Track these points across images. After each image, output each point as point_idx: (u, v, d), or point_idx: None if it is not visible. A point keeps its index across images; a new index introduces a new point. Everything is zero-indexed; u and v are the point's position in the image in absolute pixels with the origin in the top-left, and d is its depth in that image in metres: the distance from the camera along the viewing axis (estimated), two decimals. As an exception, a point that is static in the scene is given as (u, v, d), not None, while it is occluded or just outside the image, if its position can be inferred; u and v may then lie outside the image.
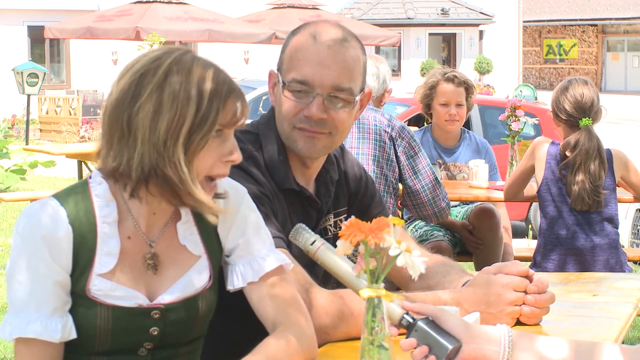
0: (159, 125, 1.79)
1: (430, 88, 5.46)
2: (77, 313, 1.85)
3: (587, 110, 4.64)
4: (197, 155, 1.82)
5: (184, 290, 1.92)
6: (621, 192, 4.97)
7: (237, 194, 1.99)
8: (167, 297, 1.90)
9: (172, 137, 1.79)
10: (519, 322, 2.19)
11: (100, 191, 1.88)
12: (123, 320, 1.87)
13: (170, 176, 1.80)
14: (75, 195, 1.87)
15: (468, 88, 5.46)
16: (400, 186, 4.49)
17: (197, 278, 1.94)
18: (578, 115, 4.65)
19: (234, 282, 1.97)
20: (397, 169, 4.37)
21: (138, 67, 1.84)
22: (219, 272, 1.99)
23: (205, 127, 1.81)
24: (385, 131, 4.33)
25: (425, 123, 5.77)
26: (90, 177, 1.89)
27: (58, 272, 1.83)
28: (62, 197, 1.87)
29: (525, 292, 2.18)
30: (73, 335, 1.84)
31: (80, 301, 1.85)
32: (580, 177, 4.63)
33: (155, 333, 1.90)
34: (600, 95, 4.74)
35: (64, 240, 1.83)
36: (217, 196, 1.91)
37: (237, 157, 1.87)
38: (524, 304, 2.17)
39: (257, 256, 1.97)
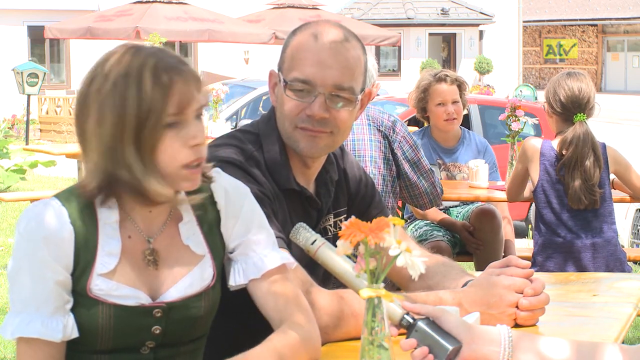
0: (104, 132, 1.78)
1: (423, 91, 5.47)
2: (79, 312, 1.85)
3: (582, 106, 4.63)
4: (155, 150, 1.80)
5: (187, 289, 1.92)
6: (622, 192, 4.97)
7: (240, 192, 1.99)
8: (169, 296, 1.90)
9: (118, 140, 1.78)
10: (517, 323, 2.19)
11: None
12: (125, 319, 1.87)
13: (126, 179, 1.80)
14: (76, 196, 1.87)
15: (460, 85, 5.48)
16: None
17: (200, 277, 1.93)
18: (573, 110, 4.64)
19: (236, 279, 1.97)
20: (394, 167, 4.35)
21: (87, 74, 1.84)
22: (222, 270, 1.99)
23: (151, 121, 1.78)
24: (379, 130, 4.31)
25: (424, 123, 5.78)
26: None
27: (59, 272, 1.82)
28: (63, 197, 1.87)
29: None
30: (75, 334, 1.84)
31: (81, 300, 1.85)
32: (576, 175, 4.63)
33: (158, 332, 1.90)
34: (600, 95, 4.71)
35: (66, 240, 1.83)
36: (205, 178, 1.90)
37: (201, 139, 1.83)
38: (517, 307, 2.17)
39: (260, 254, 1.97)
